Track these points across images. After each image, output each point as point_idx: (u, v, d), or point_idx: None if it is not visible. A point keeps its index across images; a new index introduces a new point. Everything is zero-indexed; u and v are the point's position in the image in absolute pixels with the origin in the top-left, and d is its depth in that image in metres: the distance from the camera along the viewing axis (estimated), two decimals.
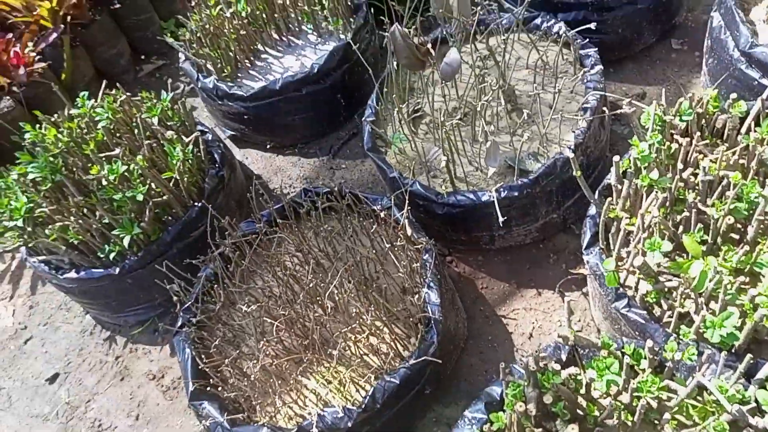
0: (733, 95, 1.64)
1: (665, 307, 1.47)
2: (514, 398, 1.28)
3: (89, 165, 2.08)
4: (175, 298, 1.82)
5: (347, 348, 1.63)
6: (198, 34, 2.56)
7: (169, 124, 2.22)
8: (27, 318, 2.46)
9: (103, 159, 2.07)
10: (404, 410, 1.62)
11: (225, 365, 1.68)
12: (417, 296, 1.68)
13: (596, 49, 2.07)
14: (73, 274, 2.06)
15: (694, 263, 1.36)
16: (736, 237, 1.52)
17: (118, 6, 3.13)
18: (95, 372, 2.22)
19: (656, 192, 1.52)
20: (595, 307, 1.77)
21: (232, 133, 2.73)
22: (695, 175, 1.57)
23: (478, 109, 1.99)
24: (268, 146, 2.70)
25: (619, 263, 1.55)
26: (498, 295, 2.01)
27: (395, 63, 2.05)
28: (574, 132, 1.88)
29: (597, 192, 1.70)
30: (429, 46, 1.82)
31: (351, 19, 2.55)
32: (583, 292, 1.93)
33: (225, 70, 2.55)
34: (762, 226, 1.45)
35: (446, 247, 2.14)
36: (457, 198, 1.87)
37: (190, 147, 2.14)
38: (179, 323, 1.83)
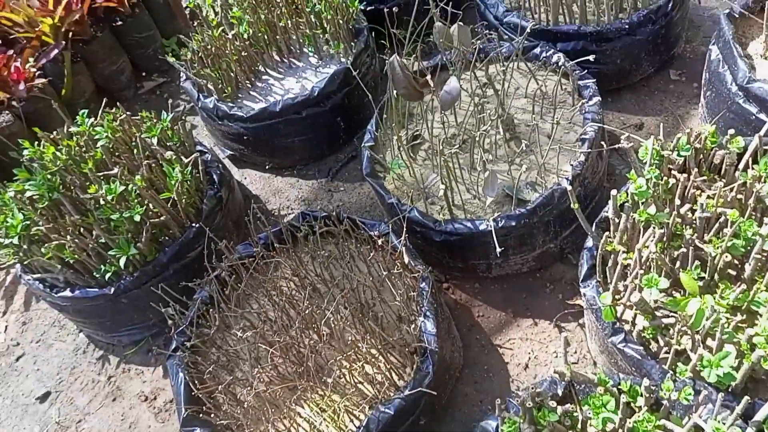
0: (731, 130, 1.64)
1: (662, 343, 1.47)
2: None
3: (87, 184, 2.08)
4: (170, 321, 1.81)
5: (342, 376, 1.62)
6: (199, 54, 2.57)
7: (168, 144, 2.23)
8: (20, 334, 2.44)
9: (102, 178, 2.07)
10: None
11: (219, 392, 1.67)
12: (413, 325, 1.67)
13: (594, 80, 2.08)
14: (67, 293, 2.05)
15: (691, 301, 1.36)
16: (734, 274, 1.53)
17: (119, 23, 3.14)
18: (87, 391, 2.20)
19: (653, 227, 1.53)
20: (592, 340, 1.77)
21: (232, 153, 2.73)
22: (693, 210, 1.58)
23: (477, 137, 2.00)
24: (267, 167, 2.71)
25: (616, 297, 1.55)
26: (494, 323, 2.00)
27: (395, 90, 2.06)
28: (572, 164, 1.89)
29: (594, 224, 1.71)
30: (428, 77, 1.83)
31: (352, 43, 2.56)
32: (579, 323, 1.93)
33: (225, 91, 2.56)
34: (759, 264, 1.46)
35: (443, 273, 2.14)
36: (454, 226, 1.87)
37: (189, 168, 2.14)
38: (173, 346, 1.81)
